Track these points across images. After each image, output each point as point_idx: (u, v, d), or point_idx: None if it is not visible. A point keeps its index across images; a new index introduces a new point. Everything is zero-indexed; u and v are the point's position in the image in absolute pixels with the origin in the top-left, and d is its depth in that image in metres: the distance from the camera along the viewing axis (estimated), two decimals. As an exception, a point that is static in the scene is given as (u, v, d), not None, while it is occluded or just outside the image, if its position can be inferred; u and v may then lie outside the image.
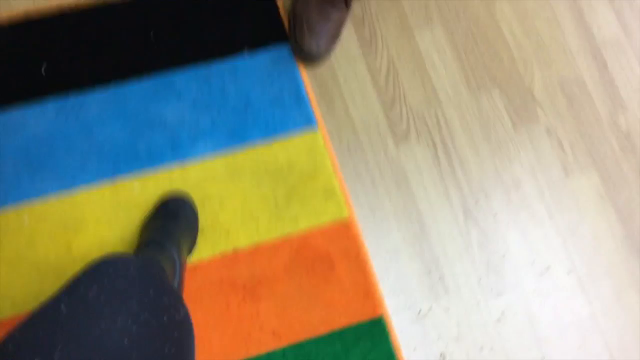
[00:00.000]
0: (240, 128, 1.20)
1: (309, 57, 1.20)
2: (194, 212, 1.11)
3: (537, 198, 1.19)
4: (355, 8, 1.26)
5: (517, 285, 1.15)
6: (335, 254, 1.14)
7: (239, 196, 1.16)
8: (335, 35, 1.20)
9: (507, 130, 1.22)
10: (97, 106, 1.19)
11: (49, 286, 1.07)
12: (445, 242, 1.16)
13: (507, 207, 1.18)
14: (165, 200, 1.10)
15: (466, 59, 1.25)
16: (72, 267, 1.08)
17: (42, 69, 1.19)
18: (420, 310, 1.11)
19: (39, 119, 1.17)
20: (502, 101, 1.23)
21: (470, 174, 1.19)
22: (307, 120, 1.20)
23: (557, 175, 1.20)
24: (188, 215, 1.08)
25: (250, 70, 1.23)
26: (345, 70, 1.23)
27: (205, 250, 1.12)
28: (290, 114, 1.21)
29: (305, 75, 1.23)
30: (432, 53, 1.25)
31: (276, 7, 1.26)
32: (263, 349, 1.08)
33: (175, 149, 1.18)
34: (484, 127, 1.21)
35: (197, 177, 1.16)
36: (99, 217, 1.13)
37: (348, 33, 1.25)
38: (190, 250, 1.08)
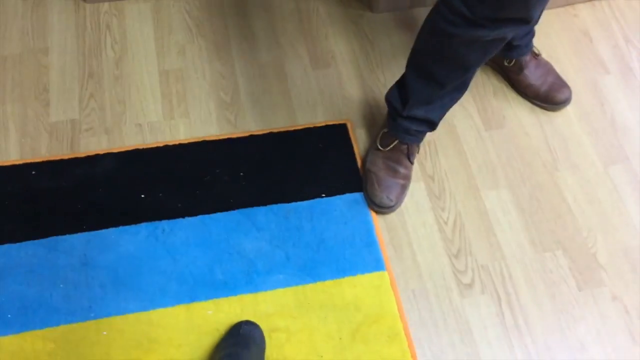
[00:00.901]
0: (312, 264, 1.27)
1: (380, 209, 1.31)
2: (263, 341, 1.14)
3: (604, 364, 1.17)
4: (427, 165, 1.38)
5: None
6: (396, 401, 1.13)
7: (306, 330, 1.19)
8: (403, 189, 1.32)
9: (571, 290, 1.24)
10: (183, 233, 1.29)
11: (114, 403, 1.09)
12: (508, 401, 1.13)
13: (574, 370, 1.16)
14: (238, 326, 1.14)
15: (530, 219, 1.32)
16: (140, 385, 1.11)
17: (142, 196, 1.32)
18: None
19: (131, 239, 1.27)
20: (567, 262, 1.27)
21: (535, 331, 1.19)
22: (375, 262, 1.27)
23: (623, 342, 1.18)
24: (259, 344, 1.12)
25: (326, 212, 1.33)
26: (414, 219, 1.32)
27: (267, 382, 1.13)
28: (360, 255, 1.28)
29: (377, 221, 1.31)
30: (498, 211, 1.33)
31: (355, 161, 1.39)
32: None
33: (250, 278, 1.25)
34: (548, 285, 1.24)
35: (266, 307, 1.21)
36: (170, 338, 1.17)
37: (419, 187, 1.35)
38: (256, 380, 1.09)
